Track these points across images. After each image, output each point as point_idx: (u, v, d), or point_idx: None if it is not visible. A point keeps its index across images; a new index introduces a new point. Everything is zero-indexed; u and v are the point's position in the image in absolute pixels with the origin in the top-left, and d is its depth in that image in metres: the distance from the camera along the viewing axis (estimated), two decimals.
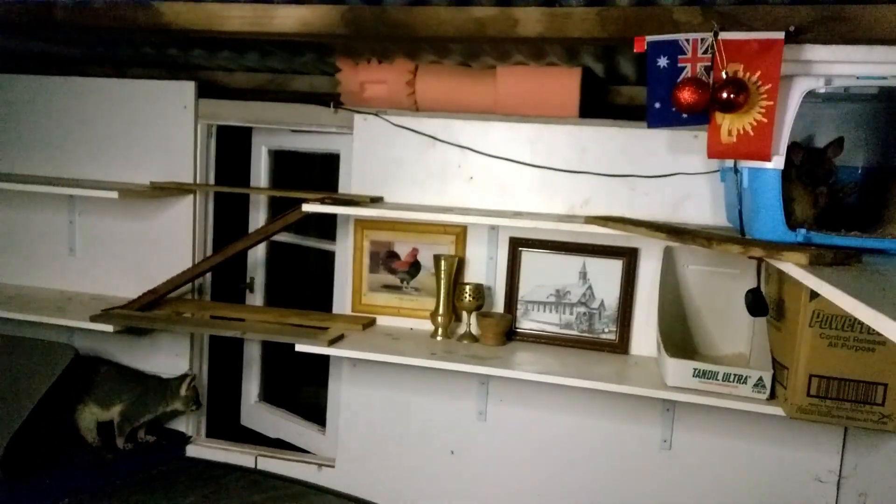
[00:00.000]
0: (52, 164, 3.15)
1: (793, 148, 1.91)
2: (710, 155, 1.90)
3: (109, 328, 2.72)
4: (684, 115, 1.88)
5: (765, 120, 1.81)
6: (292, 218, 2.72)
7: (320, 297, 3.10)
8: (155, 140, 3.04)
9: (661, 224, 2.33)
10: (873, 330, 1.94)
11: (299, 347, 2.53)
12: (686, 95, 1.82)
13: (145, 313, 2.85)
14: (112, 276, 3.14)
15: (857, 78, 1.80)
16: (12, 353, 2.83)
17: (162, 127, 3.02)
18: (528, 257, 2.64)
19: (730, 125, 1.85)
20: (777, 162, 1.85)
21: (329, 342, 2.51)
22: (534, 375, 2.35)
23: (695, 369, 2.21)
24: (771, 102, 1.79)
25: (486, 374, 2.52)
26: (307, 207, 2.53)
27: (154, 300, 2.91)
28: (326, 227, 3.04)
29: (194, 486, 2.85)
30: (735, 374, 2.18)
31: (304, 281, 3.48)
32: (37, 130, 3.14)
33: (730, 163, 2.08)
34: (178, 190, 3.01)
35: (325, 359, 2.88)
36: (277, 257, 3.36)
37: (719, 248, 1.89)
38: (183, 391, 2.91)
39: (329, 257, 3.03)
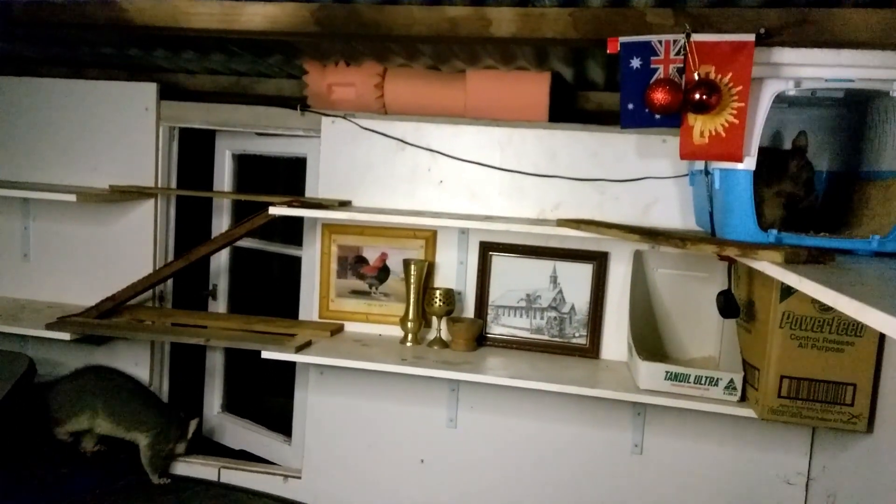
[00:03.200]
0: (6, 166, 3.03)
1: (796, 152, 1.94)
2: (683, 156, 1.91)
3: (66, 336, 2.62)
4: (657, 116, 1.89)
5: (736, 121, 1.83)
6: (258, 222, 2.66)
7: (286, 305, 3.03)
8: (115, 143, 2.95)
9: (634, 226, 2.33)
10: (843, 330, 2.00)
11: (265, 354, 2.47)
12: (659, 96, 1.83)
13: (103, 321, 2.75)
14: (69, 282, 3.03)
15: (826, 80, 1.83)
16: None
17: (122, 129, 2.94)
18: (499, 262, 2.62)
19: (702, 126, 1.86)
20: (748, 163, 1.87)
21: (296, 349, 2.45)
22: (505, 380, 2.32)
23: (667, 372, 2.21)
24: (742, 104, 1.81)
25: (456, 380, 2.49)
26: (274, 210, 2.46)
27: (113, 307, 2.81)
28: (292, 232, 2.97)
29: (154, 501, 2.74)
30: (707, 377, 2.18)
31: (268, 288, 3.40)
32: None
33: (700, 165, 2.10)
34: (139, 194, 2.92)
35: (290, 367, 2.81)
36: (241, 263, 3.27)
37: (694, 249, 1.89)
38: (189, 433, 2.84)
39: (295, 263, 2.97)
